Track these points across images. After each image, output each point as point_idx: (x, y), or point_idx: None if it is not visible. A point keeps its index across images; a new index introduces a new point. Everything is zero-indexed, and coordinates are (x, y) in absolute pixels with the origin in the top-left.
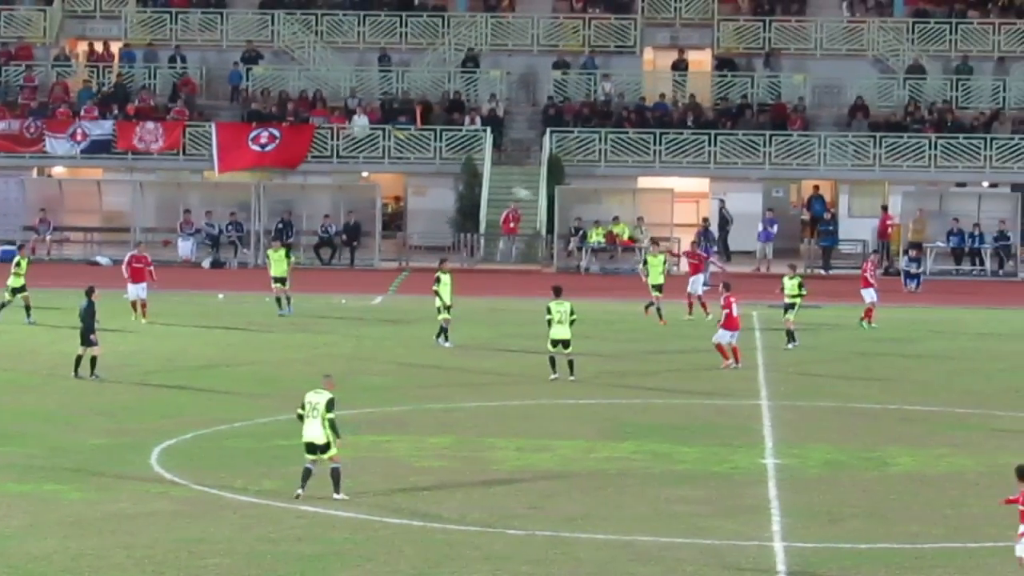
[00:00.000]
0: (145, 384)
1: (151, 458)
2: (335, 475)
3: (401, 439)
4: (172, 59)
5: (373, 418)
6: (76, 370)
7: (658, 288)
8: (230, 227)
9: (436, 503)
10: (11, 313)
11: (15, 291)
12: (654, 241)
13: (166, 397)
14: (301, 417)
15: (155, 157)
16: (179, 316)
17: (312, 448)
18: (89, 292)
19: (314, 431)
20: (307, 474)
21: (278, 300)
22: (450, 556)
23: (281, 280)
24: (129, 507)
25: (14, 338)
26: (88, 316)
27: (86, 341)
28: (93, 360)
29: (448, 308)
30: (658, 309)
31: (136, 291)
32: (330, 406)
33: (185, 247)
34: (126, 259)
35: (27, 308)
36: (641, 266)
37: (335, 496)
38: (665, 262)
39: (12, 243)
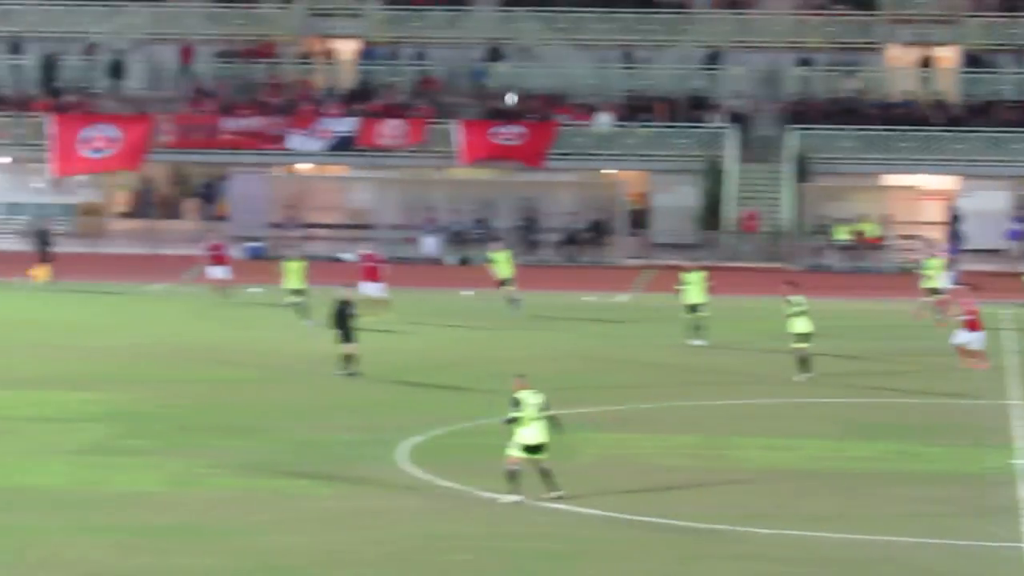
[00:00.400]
0: (391, 381)
1: (399, 454)
2: (549, 473)
3: (648, 438)
4: (415, 56)
5: (619, 416)
6: (341, 367)
7: (935, 292)
8: (474, 224)
9: (683, 501)
10: (268, 311)
11: (295, 292)
12: (929, 244)
13: (413, 394)
14: (515, 419)
15: (398, 154)
16: (424, 313)
17: (534, 449)
18: (345, 290)
19: (536, 433)
20: (519, 475)
21: (509, 301)
22: (698, 555)
23: (506, 282)
24: (378, 503)
25: (264, 335)
26: (346, 314)
27: (345, 338)
28: (351, 357)
29: (696, 307)
30: (931, 309)
31: (372, 289)
32: (547, 405)
33: (429, 244)
34: (360, 257)
35: (301, 309)
36: (921, 270)
37: (553, 494)
38: (942, 266)
39: (259, 240)
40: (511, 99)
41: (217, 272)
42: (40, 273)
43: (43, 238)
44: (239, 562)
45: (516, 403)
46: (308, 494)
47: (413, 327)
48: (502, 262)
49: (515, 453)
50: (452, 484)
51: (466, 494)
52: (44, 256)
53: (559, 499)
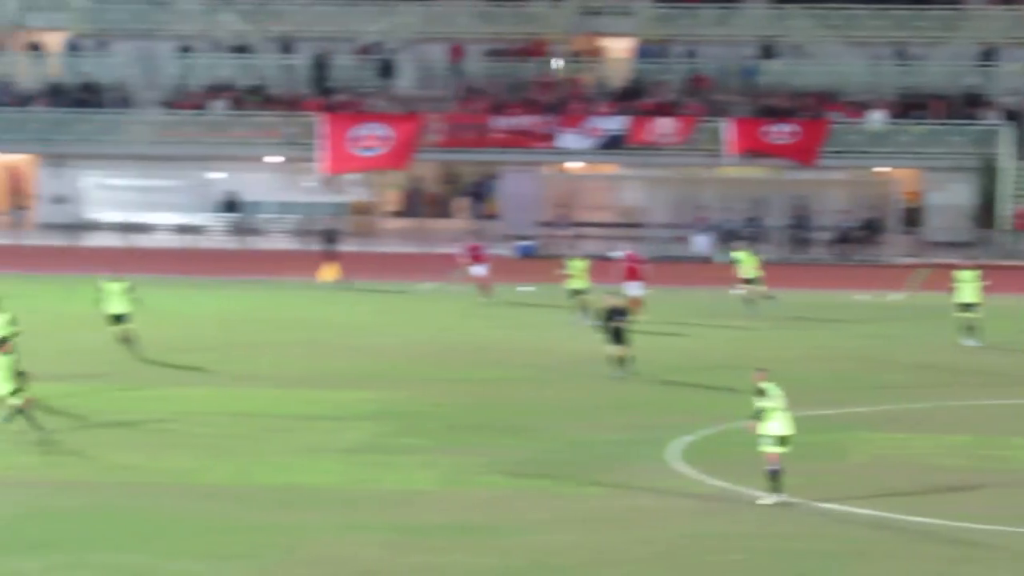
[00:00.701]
0: (662, 380)
1: (669, 454)
2: (777, 474)
3: (920, 437)
4: (685, 54)
5: (892, 416)
6: (615, 369)
7: None
8: (746, 222)
9: (956, 502)
10: (538, 310)
11: (576, 293)
12: None
13: (683, 393)
14: (761, 410)
15: (668, 152)
16: (695, 313)
17: (784, 441)
18: (613, 297)
19: (785, 424)
20: (779, 474)
21: (751, 301)
22: (973, 556)
23: (751, 281)
24: (648, 502)
25: (533, 334)
26: (615, 320)
27: (615, 341)
28: (623, 359)
29: (969, 307)
30: None
31: (632, 288)
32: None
33: (700, 242)
34: (621, 257)
35: (584, 310)
36: None
37: (777, 497)
38: None
39: (529, 238)
40: (557, 64)
41: (479, 270)
42: (328, 273)
43: (330, 237)
44: (510, 560)
45: (762, 394)
46: (578, 493)
47: (684, 327)
48: (746, 261)
49: (771, 449)
50: (723, 483)
51: (737, 494)
52: (331, 255)
53: (779, 502)
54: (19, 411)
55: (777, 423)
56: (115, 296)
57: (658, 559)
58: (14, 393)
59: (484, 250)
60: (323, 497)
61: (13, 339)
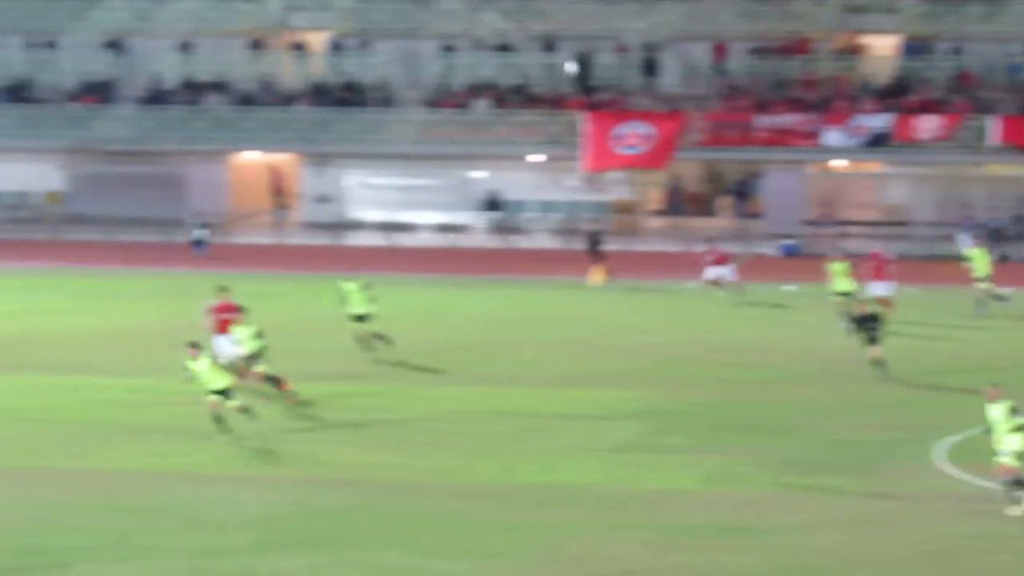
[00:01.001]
0: (924, 381)
1: (935, 454)
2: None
3: None
4: (951, 51)
5: None
6: (875, 370)
7: None
8: (1013, 221)
9: None
10: (800, 309)
11: (841, 295)
12: None
13: (946, 394)
14: (990, 428)
15: (933, 150)
16: (959, 312)
17: (1021, 456)
18: (865, 303)
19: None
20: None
21: (987, 299)
22: None
23: (983, 279)
24: (912, 502)
25: (794, 333)
26: (867, 324)
27: (870, 342)
28: (878, 361)
29: None
30: None
31: (879, 288)
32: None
33: (966, 241)
34: (867, 256)
35: (847, 313)
36: None
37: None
38: None
39: (793, 237)
40: (571, 67)
41: (715, 272)
42: (597, 275)
43: (595, 239)
44: (774, 560)
45: (1015, 411)
46: (842, 493)
47: (948, 328)
48: (978, 259)
49: (1009, 462)
50: (990, 484)
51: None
52: (597, 257)
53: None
54: (217, 418)
55: (1018, 438)
56: (354, 296)
57: (921, 559)
58: (220, 394)
59: (723, 254)
60: (585, 496)
61: (262, 351)
